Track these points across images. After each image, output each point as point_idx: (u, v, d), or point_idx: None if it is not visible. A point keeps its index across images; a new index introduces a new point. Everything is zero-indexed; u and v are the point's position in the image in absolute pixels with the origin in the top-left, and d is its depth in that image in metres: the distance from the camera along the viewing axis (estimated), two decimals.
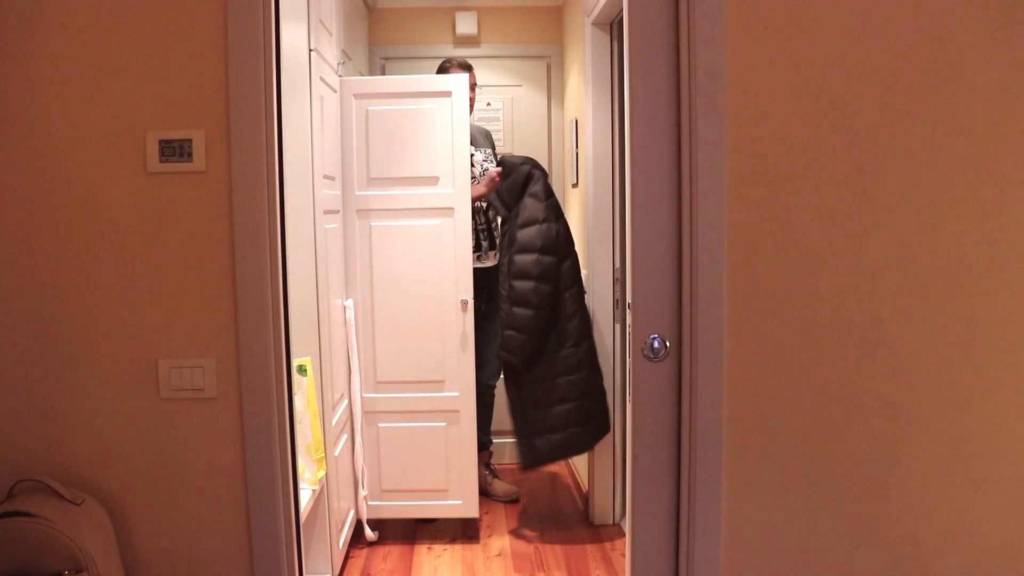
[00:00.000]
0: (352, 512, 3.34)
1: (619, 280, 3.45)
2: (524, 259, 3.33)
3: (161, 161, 1.85)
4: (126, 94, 1.85)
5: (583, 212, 3.70)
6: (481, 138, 3.87)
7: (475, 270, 3.56)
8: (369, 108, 3.32)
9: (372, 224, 3.35)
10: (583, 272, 3.68)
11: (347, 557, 3.31)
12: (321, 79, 2.87)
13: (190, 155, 1.85)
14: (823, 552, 1.90)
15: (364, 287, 3.36)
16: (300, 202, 2.69)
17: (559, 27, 4.55)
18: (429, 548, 3.43)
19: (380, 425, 3.41)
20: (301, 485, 2.39)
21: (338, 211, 3.24)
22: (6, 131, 1.84)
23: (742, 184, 1.83)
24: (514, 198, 3.49)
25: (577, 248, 3.55)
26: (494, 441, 4.10)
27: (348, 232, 3.34)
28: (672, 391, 1.92)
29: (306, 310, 2.74)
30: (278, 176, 1.88)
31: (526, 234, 3.35)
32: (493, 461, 4.12)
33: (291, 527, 1.94)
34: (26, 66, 1.83)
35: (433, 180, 3.33)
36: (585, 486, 3.88)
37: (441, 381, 3.39)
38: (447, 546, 3.45)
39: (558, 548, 3.41)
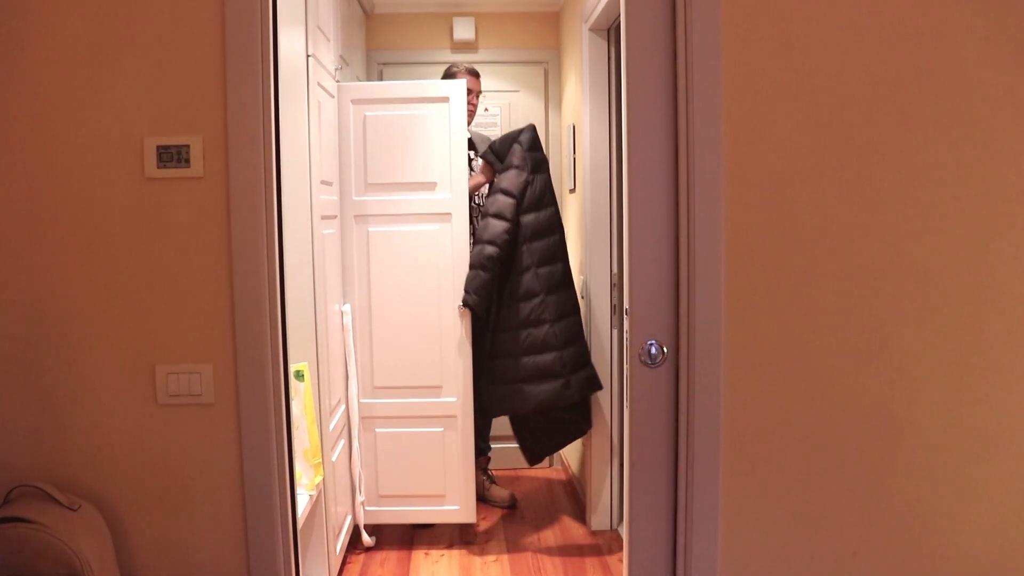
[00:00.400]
0: (349, 517, 3.33)
1: (616, 285, 3.45)
2: (491, 199, 3.40)
3: (159, 167, 1.85)
4: (124, 99, 1.85)
5: (581, 217, 3.70)
6: (483, 145, 3.88)
7: None
8: (367, 113, 3.32)
9: (370, 229, 3.35)
10: (580, 277, 3.69)
11: (344, 563, 3.30)
12: (319, 85, 2.87)
13: (188, 161, 1.85)
14: (821, 558, 1.90)
15: (362, 292, 3.36)
16: (298, 207, 2.69)
17: (556, 33, 4.56)
18: (426, 553, 3.42)
19: (377, 430, 3.41)
20: (298, 490, 2.39)
21: (336, 216, 3.24)
22: (3, 137, 1.84)
23: (739, 189, 1.83)
24: (504, 150, 3.52)
25: (575, 253, 3.55)
26: (492, 447, 4.10)
27: (346, 237, 3.34)
28: (669, 397, 1.92)
29: (303, 315, 2.74)
30: (276, 181, 1.88)
31: (501, 176, 3.42)
32: (491, 467, 4.12)
33: (288, 532, 1.94)
34: (23, 72, 1.83)
35: (431, 185, 3.34)
36: (582, 491, 3.87)
37: (438, 386, 3.39)
38: (444, 551, 3.44)
39: (555, 554, 3.40)
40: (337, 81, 3.26)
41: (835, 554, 1.90)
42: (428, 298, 3.35)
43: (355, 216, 3.34)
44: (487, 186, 3.63)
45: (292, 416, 2.04)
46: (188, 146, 1.84)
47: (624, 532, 2.04)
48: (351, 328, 3.32)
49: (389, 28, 4.53)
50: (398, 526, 3.64)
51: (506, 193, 3.35)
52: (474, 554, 3.41)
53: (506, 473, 4.44)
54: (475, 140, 3.86)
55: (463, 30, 4.49)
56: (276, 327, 1.89)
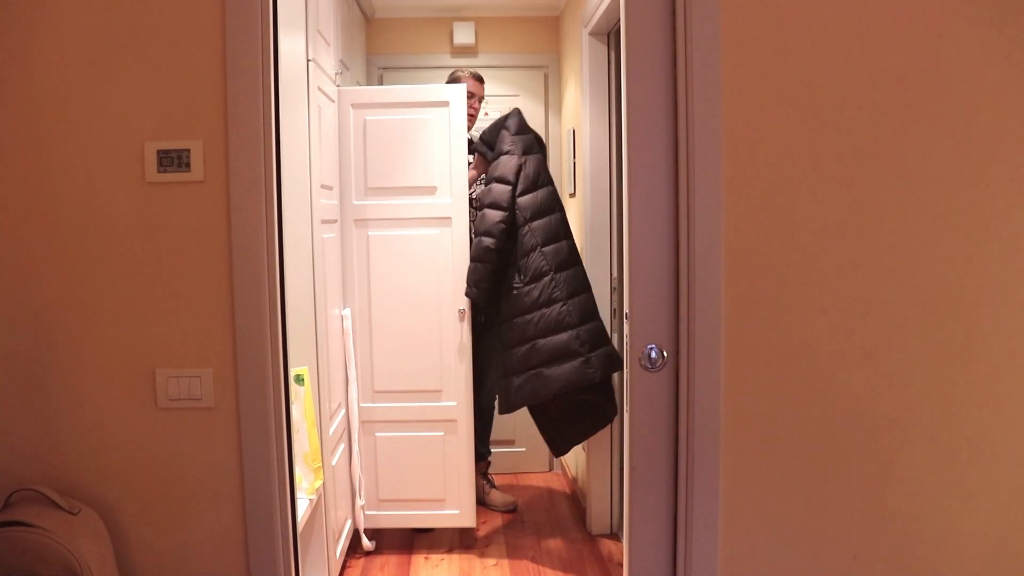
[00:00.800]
0: (349, 522, 3.33)
1: (617, 290, 3.45)
2: (487, 188, 3.37)
3: (159, 171, 1.85)
4: (124, 104, 1.85)
5: (581, 222, 3.71)
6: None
7: None
8: (367, 118, 3.33)
9: (370, 233, 3.35)
10: None
11: (344, 567, 3.30)
12: (319, 89, 2.88)
13: (188, 165, 1.85)
14: (821, 562, 1.90)
15: (362, 296, 3.36)
16: (298, 211, 2.69)
17: (556, 37, 4.57)
18: (426, 558, 3.42)
19: (377, 434, 3.41)
20: (298, 495, 2.39)
21: (336, 220, 3.24)
22: (4, 141, 1.85)
23: (739, 194, 1.83)
24: (493, 139, 3.51)
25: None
26: (492, 451, 4.10)
27: (346, 241, 3.35)
28: (669, 401, 1.92)
29: (304, 319, 2.74)
30: (276, 186, 1.88)
31: (495, 165, 3.40)
32: (491, 471, 4.12)
33: (288, 536, 1.94)
34: (24, 76, 1.84)
35: (431, 190, 3.34)
36: (582, 496, 3.87)
37: (439, 391, 3.39)
38: (444, 556, 3.44)
39: (555, 558, 3.40)
40: (337, 85, 3.27)
41: (835, 559, 1.90)
42: (428, 302, 3.35)
43: (355, 220, 3.35)
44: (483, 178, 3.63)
45: (292, 420, 2.04)
46: (188, 150, 1.85)
47: (624, 537, 2.04)
48: (351, 332, 3.32)
49: (389, 32, 4.53)
50: (398, 530, 3.64)
51: (501, 180, 3.34)
52: (474, 558, 3.41)
53: (506, 477, 4.44)
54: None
55: (463, 35, 4.50)
56: (276, 331, 1.89)
